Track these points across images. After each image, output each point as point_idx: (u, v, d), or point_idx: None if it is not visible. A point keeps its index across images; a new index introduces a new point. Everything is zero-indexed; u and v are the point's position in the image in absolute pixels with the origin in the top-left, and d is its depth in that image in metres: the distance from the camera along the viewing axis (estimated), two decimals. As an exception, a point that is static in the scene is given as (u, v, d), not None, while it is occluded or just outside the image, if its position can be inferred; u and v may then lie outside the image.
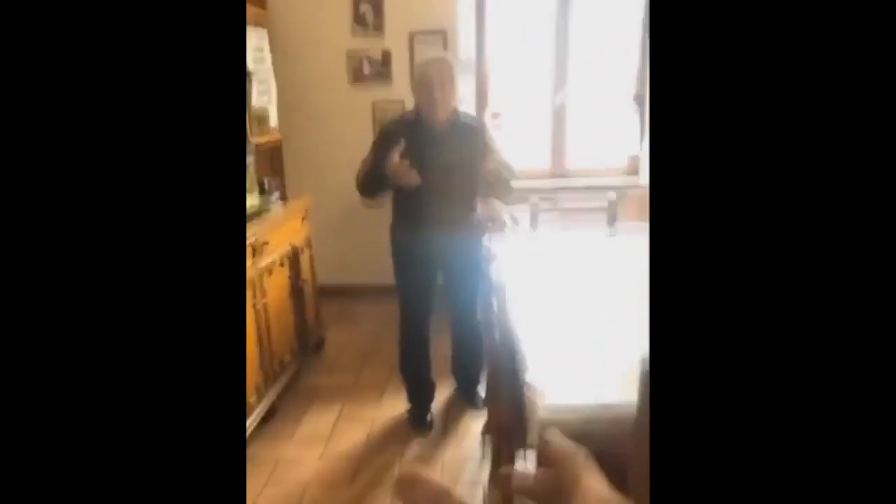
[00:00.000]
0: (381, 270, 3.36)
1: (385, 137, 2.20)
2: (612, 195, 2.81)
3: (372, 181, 2.21)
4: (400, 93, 3.45)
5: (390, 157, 2.04)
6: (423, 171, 2.12)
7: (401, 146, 2.04)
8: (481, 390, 2.60)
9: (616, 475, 1.33)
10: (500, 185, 2.29)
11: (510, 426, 1.70)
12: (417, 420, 2.50)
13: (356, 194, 2.40)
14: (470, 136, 2.22)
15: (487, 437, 2.31)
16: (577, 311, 1.76)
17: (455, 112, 2.21)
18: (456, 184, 2.22)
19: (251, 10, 2.78)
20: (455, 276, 2.43)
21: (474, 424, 2.50)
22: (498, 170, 2.26)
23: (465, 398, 2.65)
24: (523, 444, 1.70)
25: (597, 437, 1.31)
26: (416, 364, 2.51)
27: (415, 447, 2.37)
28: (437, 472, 2.21)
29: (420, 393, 2.55)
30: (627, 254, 2.35)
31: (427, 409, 2.54)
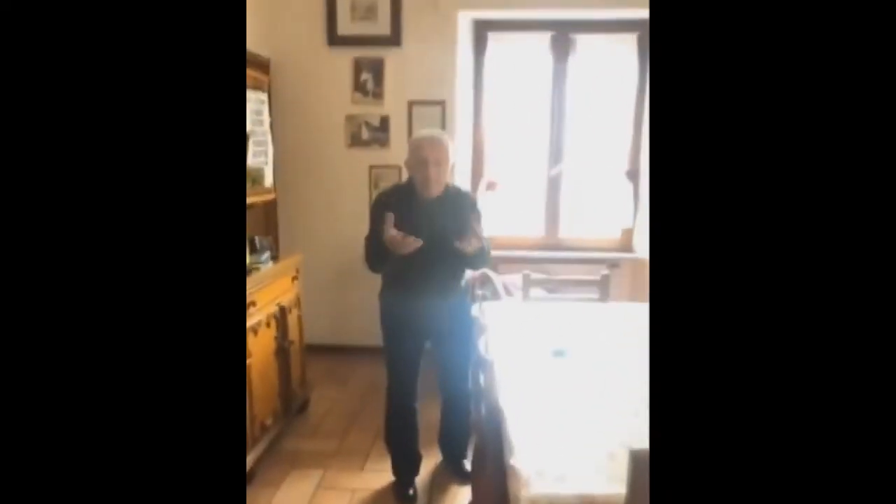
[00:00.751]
0: (371, 332, 3.34)
1: (380, 207, 2.24)
2: (605, 271, 2.82)
3: (376, 254, 2.23)
4: (397, 157, 3.51)
5: (385, 229, 2.07)
6: (412, 233, 2.12)
7: (391, 217, 2.07)
8: (467, 464, 2.53)
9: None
10: (481, 257, 2.29)
11: (494, 507, 1.65)
12: (401, 493, 2.42)
13: (349, 255, 2.41)
14: (461, 207, 2.25)
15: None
16: (566, 389, 1.74)
17: (447, 186, 2.25)
18: (447, 253, 2.23)
19: (252, 74, 2.85)
20: (445, 345, 2.41)
21: (460, 498, 2.42)
22: (479, 244, 2.24)
23: (451, 470, 2.58)
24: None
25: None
26: (401, 434, 2.45)
27: (395, 522, 2.29)
28: (417, 551, 2.12)
29: (405, 464, 2.48)
30: (620, 326, 2.34)
31: (412, 481, 2.47)
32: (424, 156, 2.14)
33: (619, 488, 1.17)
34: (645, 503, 1.13)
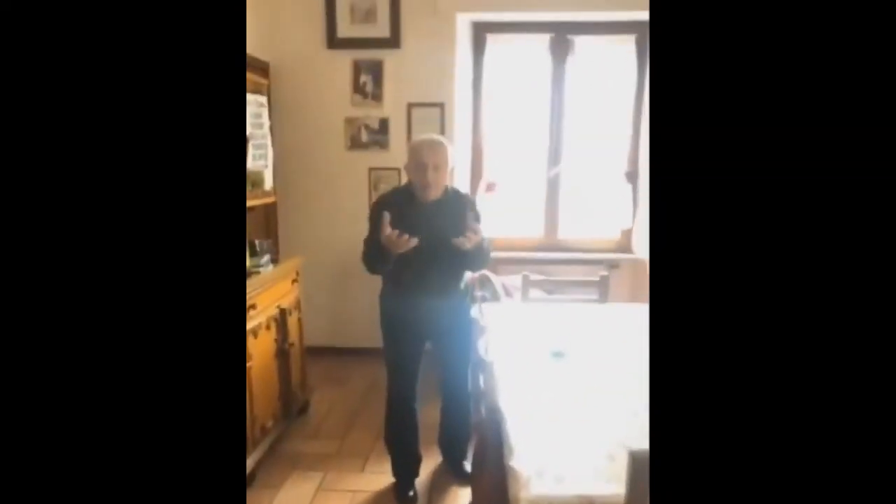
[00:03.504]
0: (371, 334, 3.34)
1: (379, 209, 2.24)
2: (604, 272, 2.83)
3: (373, 254, 2.23)
4: (396, 159, 3.52)
5: (381, 227, 2.08)
6: (412, 235, 2.14)
7: (387, 216, 2.08)
8: (467, 465, 2.54)
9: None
10: (480, 257, 2.28)
11: (494, 508, 1.65)
12: (401, 494, 2.42)
13: (348, 257, 2.42)
14: (459, 209, 2.25)
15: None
16: (565, 391, 1.74)
17: (446, 189, 2.26)
18: (446, 254, 2.24)
19: (252, 78, 2.86)
20: (445, 346, 2.41)
21: (460, 499, 2.42)
22: (479, 244, 2.25)
23: (451, 471, 2.58)
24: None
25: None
26: (402, 436, 2.45)
27: (396, 523, 2.29)
28: (418, 552, 2.12)
29: (405, 466, 2.48)
30: (619, 327, 2.35)
31: (412, 482, 2.47)
32: (423, 160, 2.15)
33: (619, 489, 1.18)
34: (643, 503, 1.14)
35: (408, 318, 2.30)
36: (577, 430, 1.49)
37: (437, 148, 2.19)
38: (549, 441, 1.44)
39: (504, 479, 1.43)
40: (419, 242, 2.12)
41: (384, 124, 3.57)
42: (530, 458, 1.34)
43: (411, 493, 2.42)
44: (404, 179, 2.38)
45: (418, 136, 2.33)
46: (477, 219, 2.23)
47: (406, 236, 2.07)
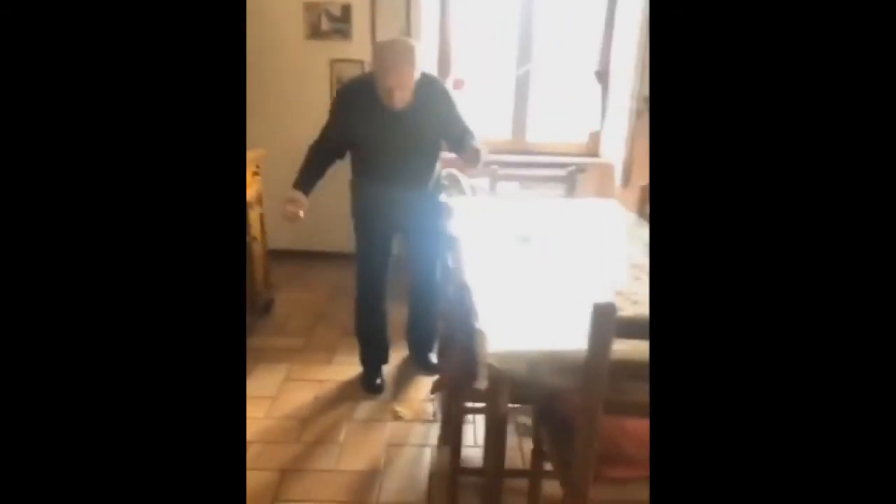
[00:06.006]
0: (337, 237, 3.29)
1: (342, 103, 2.17)
2: (573, 168, 2.80)
3: (319, 155, 2.23)
4: (359, 51, 3.35)
5: (288, 208, 2.13)
6: (383, 133, 2.13)
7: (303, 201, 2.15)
8: (433, 356, 2.58)
9: (562, 427, 1.32)
10: (469, 154, 2.22)
11: (459, 381, 1.68)
12: (369, 382, 2.46)
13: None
14: (431, 101, 2.17)
15: (437, 396, 2.29)
16: (530, 271, 1.74)
17: (418, 79, 2.10)
18: (416, 146, 2.20)
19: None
20: (414, 239, 2.41)
21: (425, 389, 2.48)
22: (465, 140, 2.21)
23: (417, 363, 2.62)
24: (472, 398, 1.69)
25: (542, 384, 1.30)
26: (370, 321, 2.47)
27: (364, 407, 2.33)
28: (385, 434, 2.18)
29: (373, 353, 2.52)
30: (585, 216, 2.35)
31: (379, 370, 2.51)
32: (389, 84, 2.02)
33: (581, 346, 1.18)
34: (606, 356, 1.16)
35: (379, 209, 2.28)
36: (541, 300, 1.50)
37: (402, 67, 2.01)
38: (514, 310, 1.44)
39: (470, 347, 1.44)
40: (390, 133, 2.10)
41: (346, 11, 3.35)
42: (496, 321, 1.34)
43: (378, 381, 2.46)
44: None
45: (383, 41, 2.15)
46: (457, 113, 2.23)
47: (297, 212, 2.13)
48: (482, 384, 1.26)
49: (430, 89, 2.18)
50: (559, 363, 1.23)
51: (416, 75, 2.07)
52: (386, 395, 2.43)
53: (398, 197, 2.24)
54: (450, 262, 1.76)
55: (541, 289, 1.58)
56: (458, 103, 2.29)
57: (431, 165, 2.31)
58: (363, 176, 2.28)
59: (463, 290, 1.61)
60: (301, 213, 2.15)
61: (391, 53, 2.03)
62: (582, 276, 1.70)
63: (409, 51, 2.03)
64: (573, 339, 1.24)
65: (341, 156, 2.28)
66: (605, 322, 1.12)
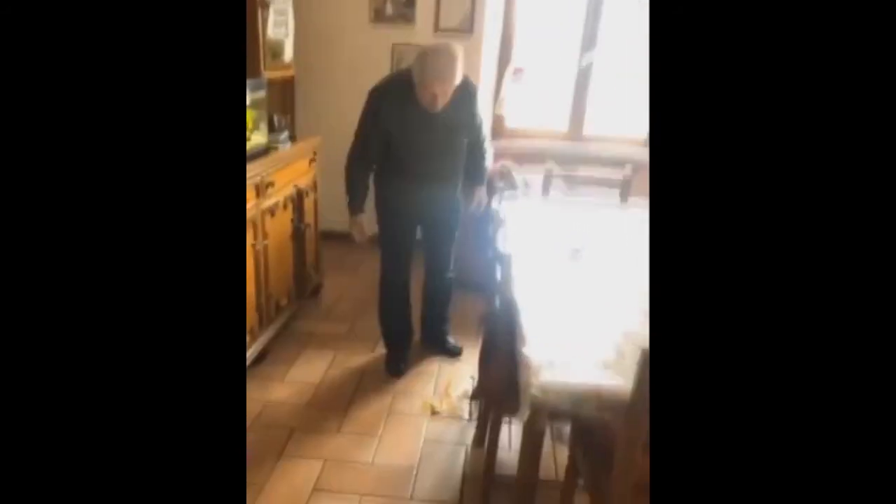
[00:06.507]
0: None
1: (377, 103, 2.20)
2: (628, 170, 2.73)
3: (358, 167, 2.34)
4: (422, 36, 3.32)
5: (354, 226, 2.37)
6: (417, 133, 2.20)
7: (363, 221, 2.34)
8: (450, 339, 2.73)
9: (599, 453, 1.33)
10: (476, 171, 2.47)
11: (500, 395, 1.69)
12: (394, 365, 2.57)
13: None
14: (464, 105, 2.23)
15: (474, 401, 2.32)
16: (580, 288, 1.73)
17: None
18: (447, 147, 2.28)
19: (274, -64, 2.64)
20: (433, 232, 2.50)
21: (442, 371, 2.61)
22: (476, 154, 2.41)
23: (429, 346, 2.73)
24: (511, 414, 1.70)
25: (584, 417, 1.31)
26: (393, 308, 2.57)
27: (402, 400, 2.38)
28: (422, 429, 2.22)
29: (398, 338, 2.61)
30: (638, 229, 2.30)
31: (404, 355, 2.61)
32: (432, 90, 2.06)
33: (625, 383, 1.18)
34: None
35: (405, 204, 2.36)
36: (589, 326, 1.49)
37: (446, 76, 2.05)
38: (561, 334, 1.44)
39: (513, 367, 1.45)
40: (419, 133, 2.19)
41: (411, -3, 3.33)
42: (542, 348, 1.34)
43: (402, 365, 2.57)
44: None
45: (428, 48, 2.12)
46: (480, 122, 2.34)
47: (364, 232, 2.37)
48: (524, 415, 1.27)
49: (464, 93, 2.21)
50: (603, 400, 1.22)
51: (458, 81, 2.11)
52: (421, 385, 2.48)
53: (424, 194, 2.33)
54: (498, 275, 1.76)
55: (589, 313, 1.56)
56: (482, 115, 2.38)
57: (458, 164, 2.38)
58: (391, 172, 2.34)
59: (510, 306, 1.61)
60: (368, 233, 2.40)
61: (436, 63, 2.04)
62: (631, 298, 1.67)
63: (454, 60, 2.06)
64: (616, 376, 1.24)
65: (378, 161, 2.32)
66: (653, 368, 1.11)
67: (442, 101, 2.11)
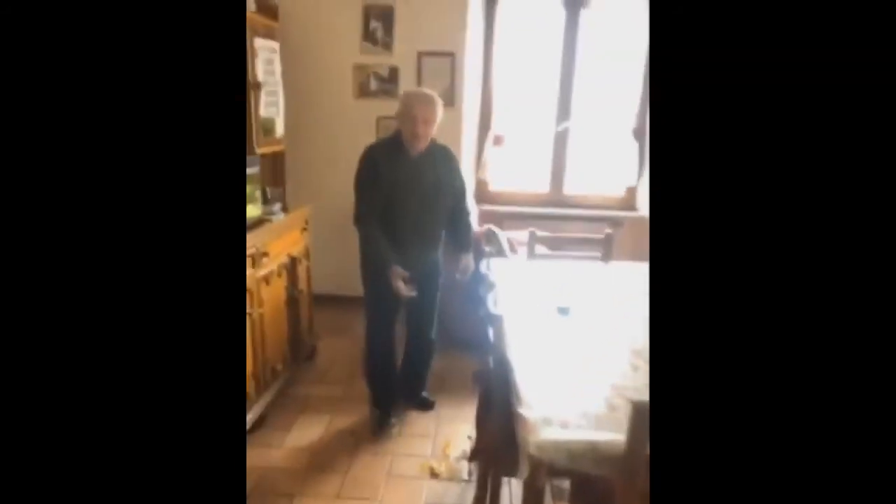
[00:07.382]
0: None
1: (370, 160, 2.37)
2: (609, 230, 2.86)
3: (380, 245, 2.37)
4: (406, 111, 3.49)
5: (394, 285, 2.32)
6: (400, 192, 2.34)
7: (399, 271, 2.33)
8: (426, 394, 2.81)
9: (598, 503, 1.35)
10: (462, 233, 2.60)
11: (498, 454, 1.74)
12: (383, 422, 2.61)
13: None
14: (446, 164, 2.45)
15: (473, 462, 2.35)
16: (569, 345, 1.81)
17: (432, 142, 2.39)
18: (432, 207, 2.42)
19: (262, 22, 2.81)
20: (418, 291, 2.48)
21: (421, 423, 2.69)
22: (461, 217, 2.57)
23: (408, 401, 2.78)
24: (510, 473, 1.74)
25: (582, 472, 1.36)
26: (382, 367, 2.63)
27: (401, 462, 2.40)
28: (423, 491, 2.24)
29: (385, 396, 2.66)
30: (622, 285, 2.41)
31: (390, 411, 2.66)
32: (414, 114, 2.27)
33: (619, 436, 1.25)
34: (644, 450, 1.22)
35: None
36: (580, 382, 1.56)
37: (428, 102, 2.29)
38: (555, 391, 1.50)
39: (510, 425, 1.51)
40: (406, 193, 2.33)
41: (394, 73, 3.53)
42: (537, 406, 1.41)
43: (393, 421, 2.63)
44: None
45: (411, 88, 2.43)
46: (463, 186, 2.51)
47: (409, 287, 2.35)
48: (523, 474, 1.32)
49: (444, 152, 2.46)
50: (600, 454, 1.29)
51: (436, 124, 2.32)
52: (419, 446, 2.50)
53: (410, 254, 2.41)
54: (490, 336, 1.83)
55: (579, 369, 1.64)
56: (463, 178, 2.56)
57: (442, 226, 2.53)
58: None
59: (504, 365, 1.68)
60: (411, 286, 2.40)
61: (419, 93, 2.33)
62: (618, 352, 1.75)
63: (433, 99, 2.30)
64: (611, 430, 1.30)
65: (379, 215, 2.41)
66: (643, 419, 1.18)
67: (423, 139, 2.30)
